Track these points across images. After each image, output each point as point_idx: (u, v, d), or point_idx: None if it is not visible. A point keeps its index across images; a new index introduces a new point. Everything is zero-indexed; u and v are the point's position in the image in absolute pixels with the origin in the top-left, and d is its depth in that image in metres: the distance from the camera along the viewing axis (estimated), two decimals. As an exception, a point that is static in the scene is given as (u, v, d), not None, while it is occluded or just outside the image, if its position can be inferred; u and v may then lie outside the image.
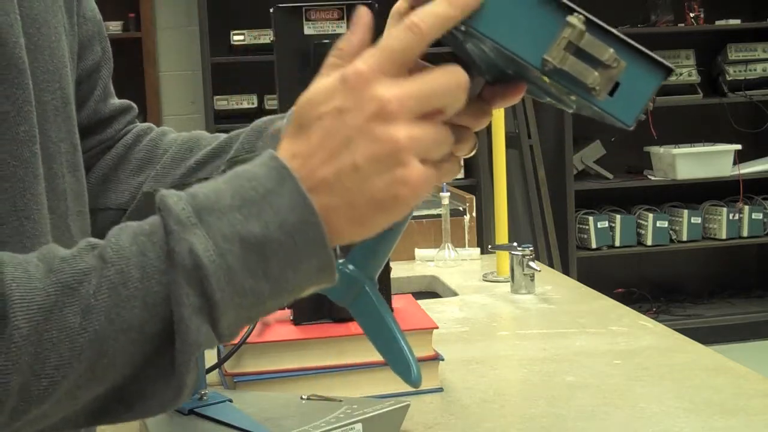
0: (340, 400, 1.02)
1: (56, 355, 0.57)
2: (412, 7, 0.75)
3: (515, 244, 1.75)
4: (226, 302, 0.59)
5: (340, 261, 0.73)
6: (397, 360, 0.73)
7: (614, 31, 0.64)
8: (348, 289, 0.73)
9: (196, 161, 0.96)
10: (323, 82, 0.62)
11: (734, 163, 4.48)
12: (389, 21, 0.77)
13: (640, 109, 0.65)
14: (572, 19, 0.63)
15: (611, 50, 0.63)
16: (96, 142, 0.97)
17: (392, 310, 1.23)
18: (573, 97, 0.66)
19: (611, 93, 0.64)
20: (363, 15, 0.66)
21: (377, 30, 0.68)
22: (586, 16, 0.63)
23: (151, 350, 0.59)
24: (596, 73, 0.63)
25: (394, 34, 0.62)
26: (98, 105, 0.96)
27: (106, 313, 0.58)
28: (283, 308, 1.23)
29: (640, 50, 0.64)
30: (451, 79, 0.62)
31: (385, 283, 1.23)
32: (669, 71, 0.65)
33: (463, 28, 0.64)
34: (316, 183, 0.60)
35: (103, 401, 0.61)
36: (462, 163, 0.71)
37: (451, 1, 0.62)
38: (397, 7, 0.77)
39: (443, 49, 0.67)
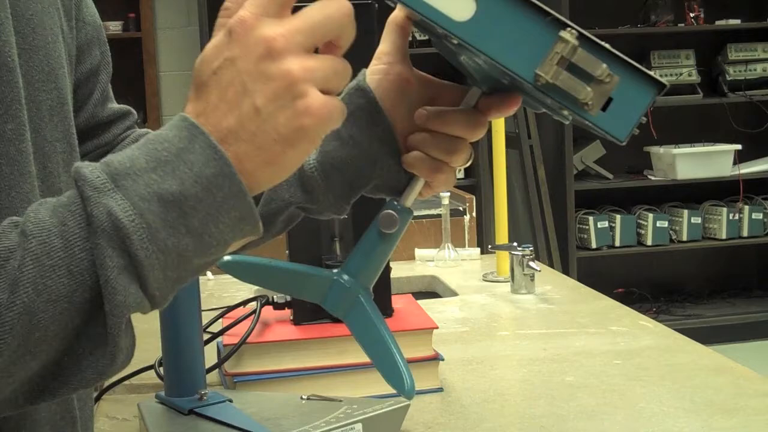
0: (340, 400, 1.02)
1: None
2: (408, 17, 0.74)
3: (515, 244, 1.75)
4: (151, 260, 0.59)
5: (335, 271, 0.73)
6: (390, 371, 0.73)
7: (607, 46, 0.63)
8: (343, 299, 0.72)
9: None
10: (213, 40, 0.63)
11: (734, 163, 4.48)
12: (386, 30, 0.77)
13: (633, 125, 0.65)
14: (565, 34, 0.62)
15: (604, 65, 0.62)
16: (93, 146, 0.96)
17: (393, 311, 1.24)
18: (566, 112, 0.66)
19: (604, 108, 0.63)
20: None
21: (378, 31, 0.67)
22: (579, 31, 0.62)
23: (82, 321, 0.60)
24: (589, 89, 0.63)
25: None
26: (96, 109, 0.96)
27: (33, 285, 0.58)
28: (283, 306, 1.23)
29: (634, 66, 0.64)
30: (333, 8, 0.62)
31: (385, 283, 1.24)
32: (662, 87, 0.64)
33: (455, 40, 0.63)
34: (223, 135, 0.61)
35: (40, 378, 0.61)
36: (458, 173, 0.70)
37: None
38: (393, 16, 0.77)
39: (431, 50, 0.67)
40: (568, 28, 0.62)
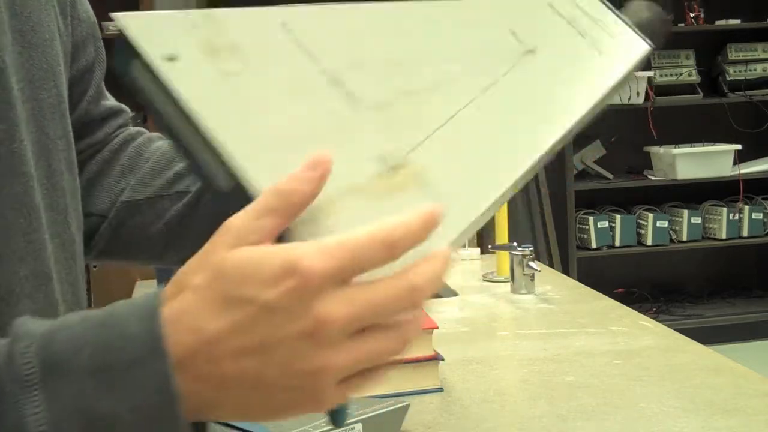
0: (340, 400, 1.02)
1: None
2: None
3: (515, 244, 1.75)
4: None
5: None
6: None
7: None
8: None
9: (174, 174, 0.94)
10: (265, 257, 0.51)
11: (734, 163, 4.48)
12: None
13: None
14: None
15: None
16: (85, 145, 0.95)
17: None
18: None
19: None
20: (322, 162, 0.54)
21: None
22: None
23: None
24: None
25: (368, 244, 0.51)
26: (90, 106, 0.95)
27: None
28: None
29: None
30: (405, 294, 0.52)
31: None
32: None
33: None
34: (213, 379, 0.52)
35: None
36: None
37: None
38: None
39: None
40: None
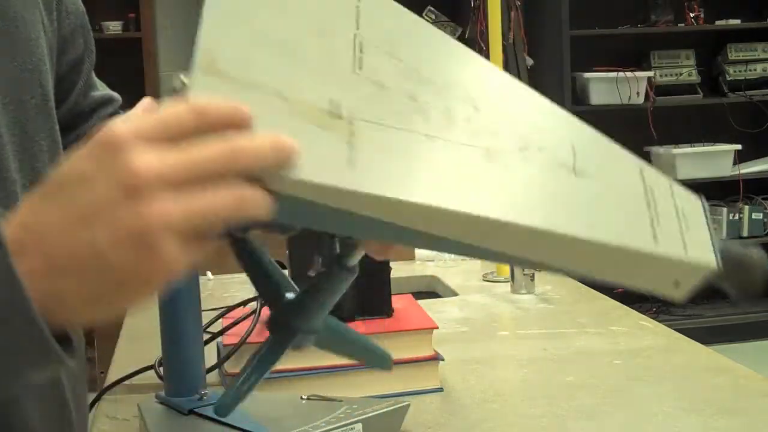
0: (340, 400, 1.02)
1: None
2: None
3: (515, 244, 1.75)
4: None
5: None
6: (369, 358, 0.73)
7: None
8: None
9: None
10: (83, 149, 0.53)
11: (734, 163, 4.48)
12: None
13: None
14: None
15: None
16: (74, 137, 0.94)
17: (393, 311, 1.23)
18: None
19: None
20: (147, 105, 0.58)
21: None
22: None
23: None
24: None
25: (176, 109, 0.52)
26: (79, 98, 0.94)
27: None
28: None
29: None
30: (224, 152, 0.52)
31: (385, 283, 1.24)
32: None
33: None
34: (48, 266, 0.52)
35: None
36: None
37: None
38: None
39: None
40: None
